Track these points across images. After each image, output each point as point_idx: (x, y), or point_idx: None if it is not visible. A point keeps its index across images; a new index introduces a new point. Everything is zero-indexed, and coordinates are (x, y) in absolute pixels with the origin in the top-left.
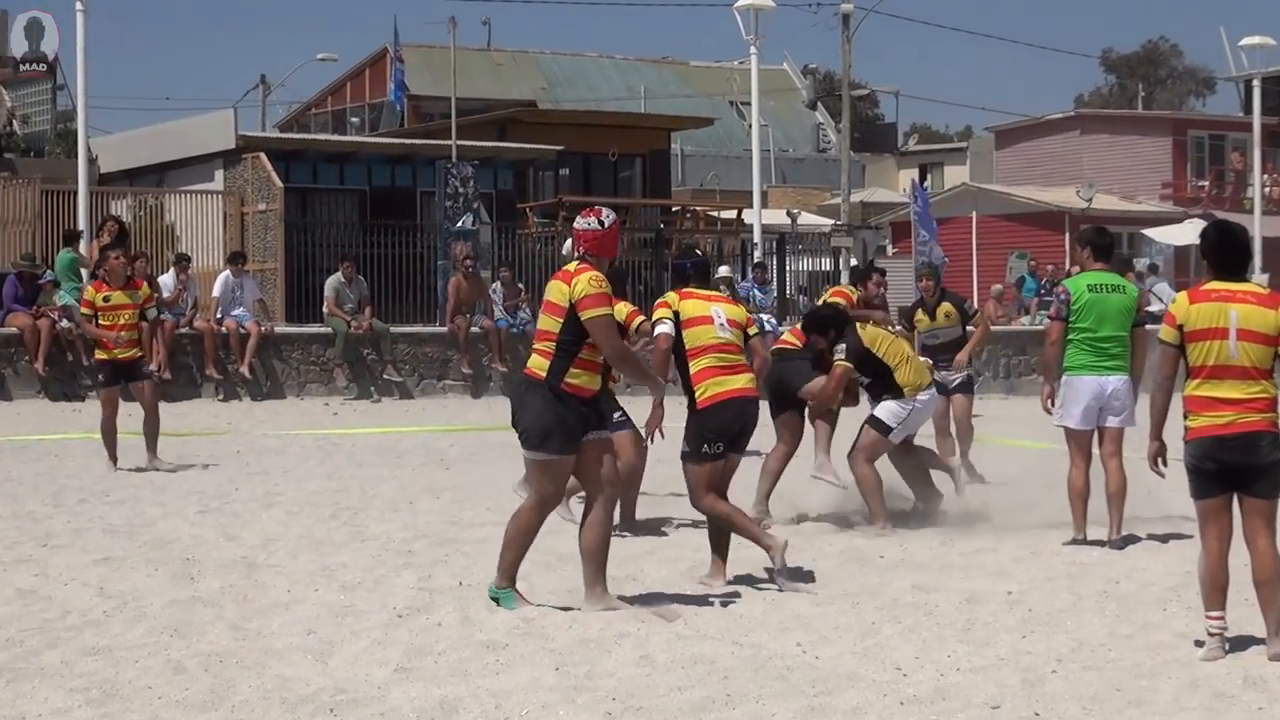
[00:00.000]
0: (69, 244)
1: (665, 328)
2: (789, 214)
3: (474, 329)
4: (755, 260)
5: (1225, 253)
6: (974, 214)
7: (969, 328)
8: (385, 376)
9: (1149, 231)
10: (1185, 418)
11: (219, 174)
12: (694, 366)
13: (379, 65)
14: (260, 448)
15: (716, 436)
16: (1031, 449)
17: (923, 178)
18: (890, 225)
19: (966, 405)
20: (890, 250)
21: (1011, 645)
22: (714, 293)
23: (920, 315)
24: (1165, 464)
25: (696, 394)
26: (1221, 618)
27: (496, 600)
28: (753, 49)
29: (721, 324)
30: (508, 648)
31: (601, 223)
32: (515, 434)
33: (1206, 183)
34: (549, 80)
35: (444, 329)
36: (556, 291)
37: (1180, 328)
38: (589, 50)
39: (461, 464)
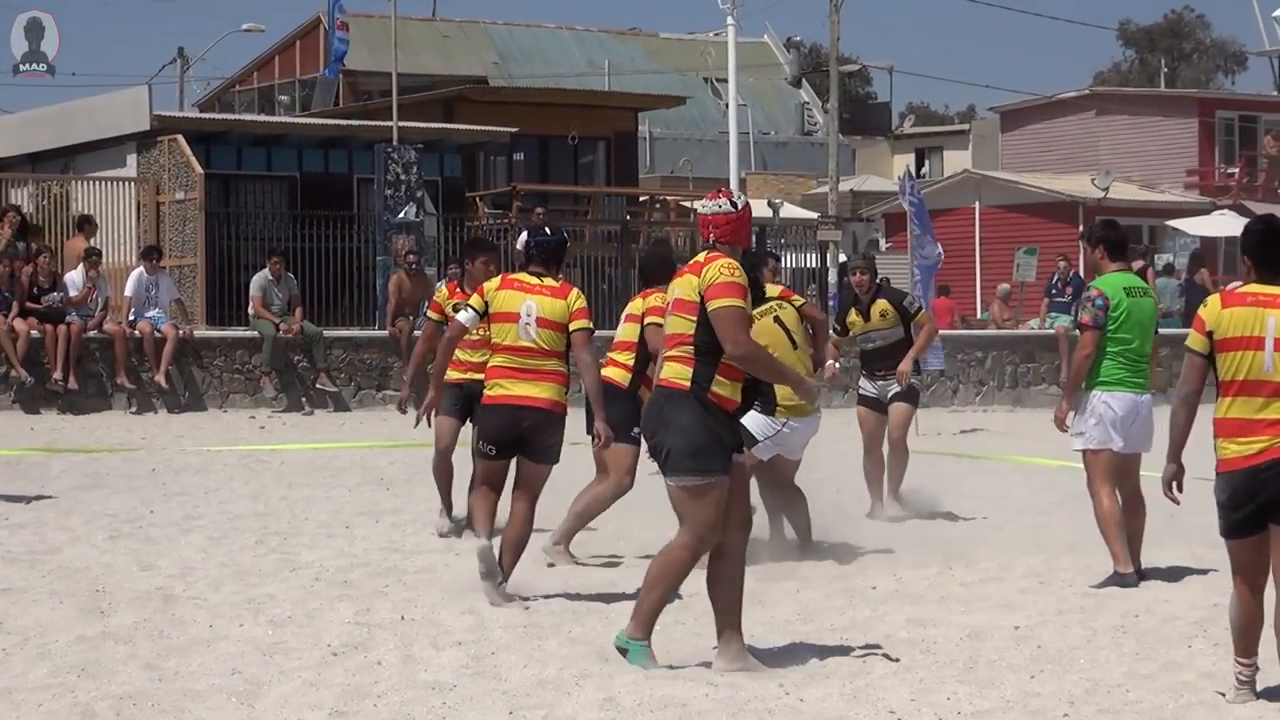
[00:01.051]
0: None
1: (465, 316)
2: (770, 204)
3: (418, 333)
4: None
5: (1269, 249)
6: (977, 204)
7: (913, 328)
8: (318, 386)
9: (1176, 223)
10: (1215, 444)
11: (132, 159)
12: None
13: (311, 37)
14: (178, 465)
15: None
16: (1043, 466)
17: (920, 164)
18: (884, 217)
19: (904, 418)
20: (884, 245)
21: (1019, 686)
22: (543, 283)
23: (854, 316)
24: (1181, 489)
25: None
26: (1252, 664)
27: (624, 651)
28: (730, 19)
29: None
30: (455, 689)
31: (734, 204)
32: (655, 461)
33: (1236, 170)
34: (501, 54)
35: (384, 333)
36: (686, 286)
37: (1210, 335)
38: (546, 20)
39: (403, 484)
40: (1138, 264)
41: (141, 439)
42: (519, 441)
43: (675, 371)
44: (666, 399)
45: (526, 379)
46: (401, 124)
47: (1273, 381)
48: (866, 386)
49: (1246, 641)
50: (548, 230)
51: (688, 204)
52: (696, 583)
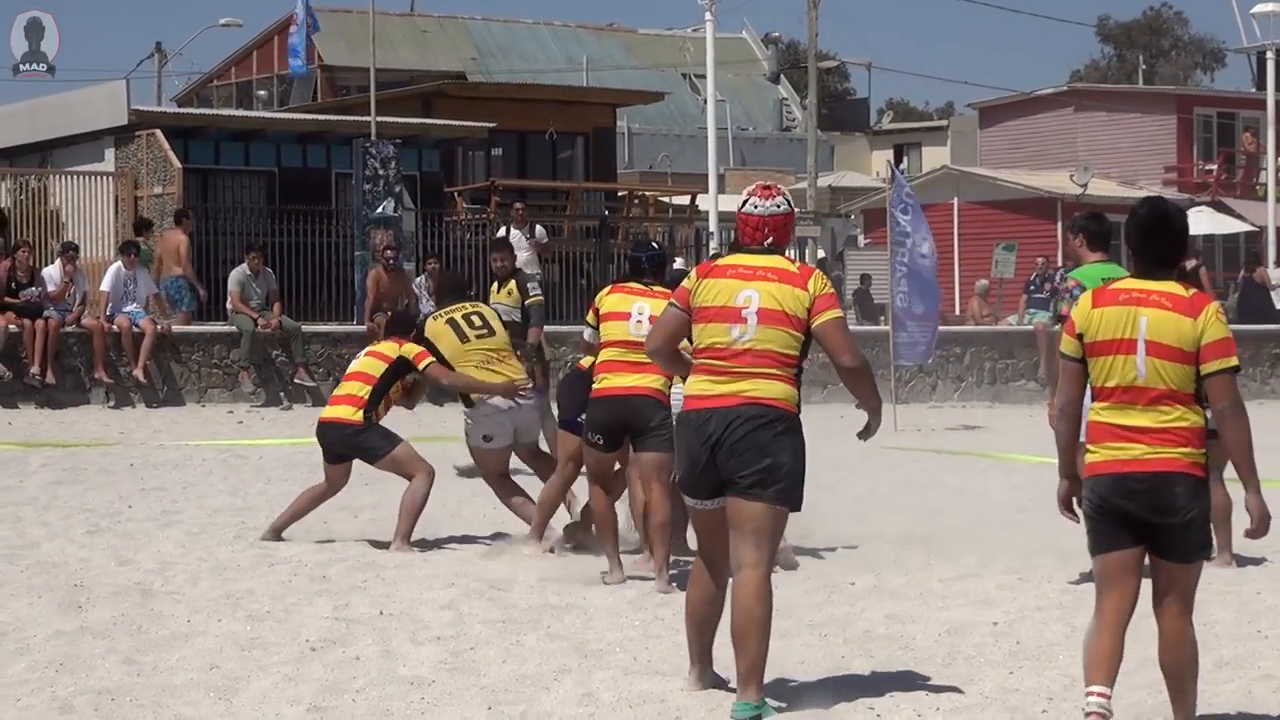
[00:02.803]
0: (138, 233)
1: (588, 334)
2: None
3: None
4: (711, 251)
5: (1152, 236)
6: (955, 200)
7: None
8: (297, 381)
9: None
10: (1084, 449)
11: (109, 153)
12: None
13: (288, 32)
14: (157, 460)
15: (594, 429)
16: (1022, 463)
17: (898, 160)
18: (862, 213)
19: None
20: (863, 241)
21: (997, 682)
22: (654, 288)
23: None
24: (1079, 505)
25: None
26: (1106, 695)
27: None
28: (708, 15)
29: (639, 320)
30: (434, 684)
31: (789, 202)
32: (751, 485)
33: (1215, 166)
34: (479, 50)
35: (362, 328)
36: (789, 297)
37: (1080, 337)
38: (524, 16)
39: (382, 480)
40: (1191, 262)
41: (120, 434)
42: (627, 430)
43: (783, 392)
44: (781, 421)
45: (633, 371)
46: (380, 119)
47: (1150, 388)
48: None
49: (1100, 671)
50: (654, 245)
51: (666, 200)
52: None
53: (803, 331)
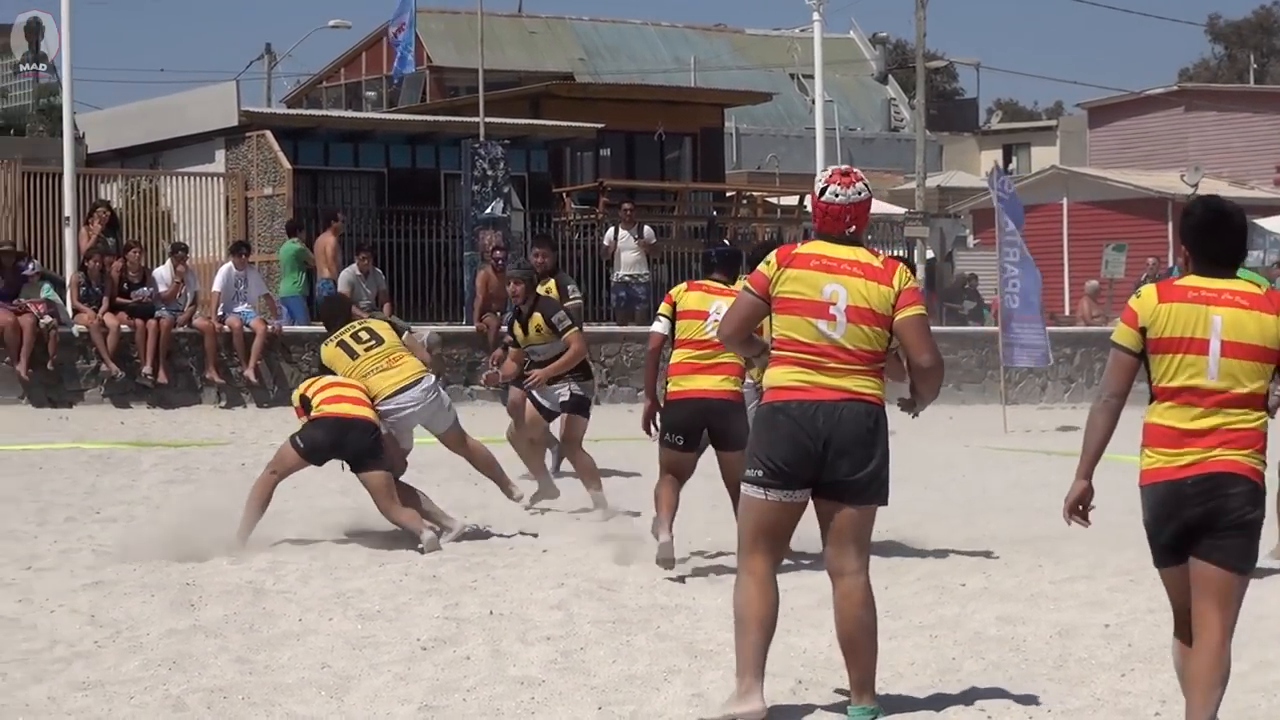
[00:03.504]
0: (291, 234)
1: (659, 326)
2: None
3: (504, 328)
4: None
5: (1210, 236)
6: (1064, 200)
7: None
8: None
9: (1265, 221)
10: (1141, 453)
11: (220, 154)
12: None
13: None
14: (268, 460)
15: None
16: (1132, 464)
17: (1007, 160)
18: (971, 213)
19: (574, 428)
20: (971, 241)
21: (1109, 685)
22: (730, 286)
23: (516, 328)
24: (1090, 510)
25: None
26: None
27: None
28: (815, 15)
29: (716, 320)
30: (544, 684)
31: (869, 188)
32: (859, 487)
33: None
34: (587, 50)
35: (471, 328)
36: (875, 294)
37: (1143, 331)
38: (632, 16)
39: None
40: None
41: (231, 433)
42: (706, 432)
43: (877, 387)
44: (879, 418)
45: (706, 373)
46: (488, 120)
47: (1219, 390)
48: (537, 395)
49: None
50: (725, 243)
51: (774, 200)
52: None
53: (888, 328)
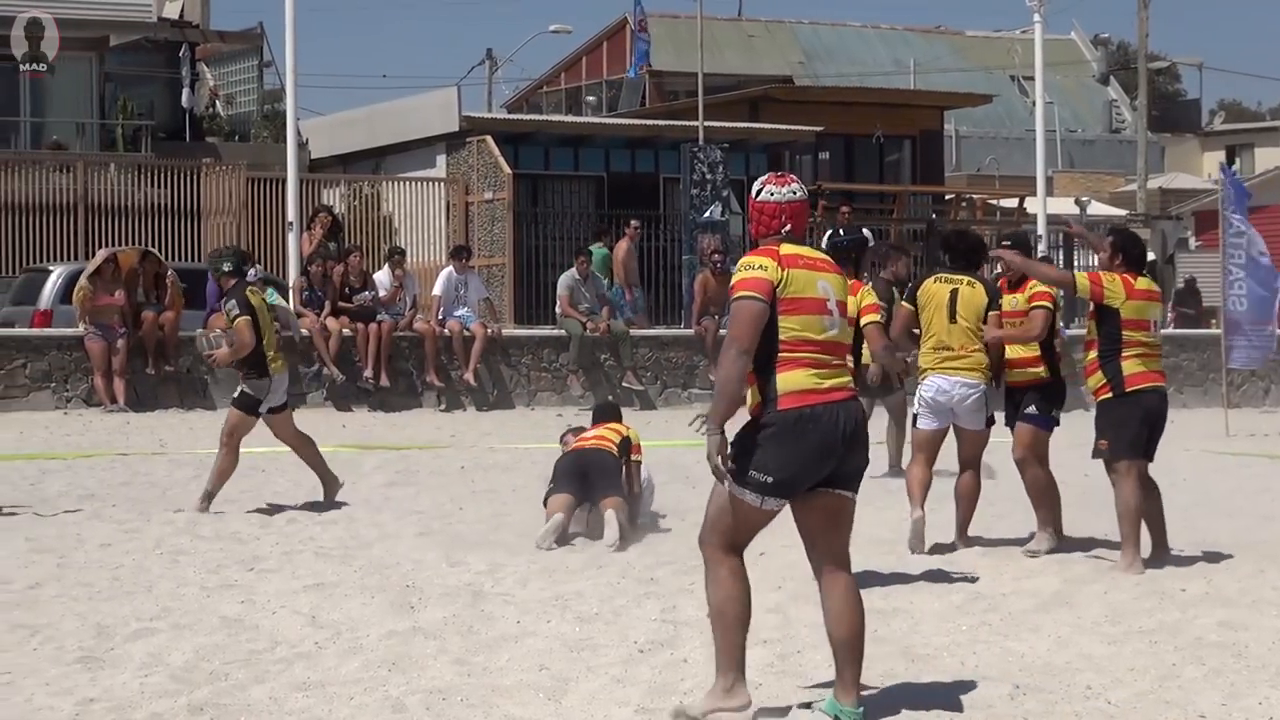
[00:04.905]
0: (599, 239)
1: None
2: (1077, 202)
3: (723, 331)
4: (1039, 255)
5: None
6: None
7: None
8: (624, 385)
9: None
10: None
11: (441, 159)
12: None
13: (617, 38)
14: (487, 463)
15: None
16: None
17: (1230, 161)
18: (1193, 215)
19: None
20: (1193, 243)
21: None
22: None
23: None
24: None
25: None
26: None
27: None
28: (1036, 16)
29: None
30: (760, 687)
31: (806, 191)
32: (856, 479)
33: None
34: (807, 53)
35: (690, 331)
36: (842, 288)
37: None
38: (851, 19)
39: (709, 482)
40: None
41: (451, 436)
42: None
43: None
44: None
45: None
46: (707, 124)
47: None
48: None
49: None
50: (840, 232)
51: (994, 203)
52: (998, 583)
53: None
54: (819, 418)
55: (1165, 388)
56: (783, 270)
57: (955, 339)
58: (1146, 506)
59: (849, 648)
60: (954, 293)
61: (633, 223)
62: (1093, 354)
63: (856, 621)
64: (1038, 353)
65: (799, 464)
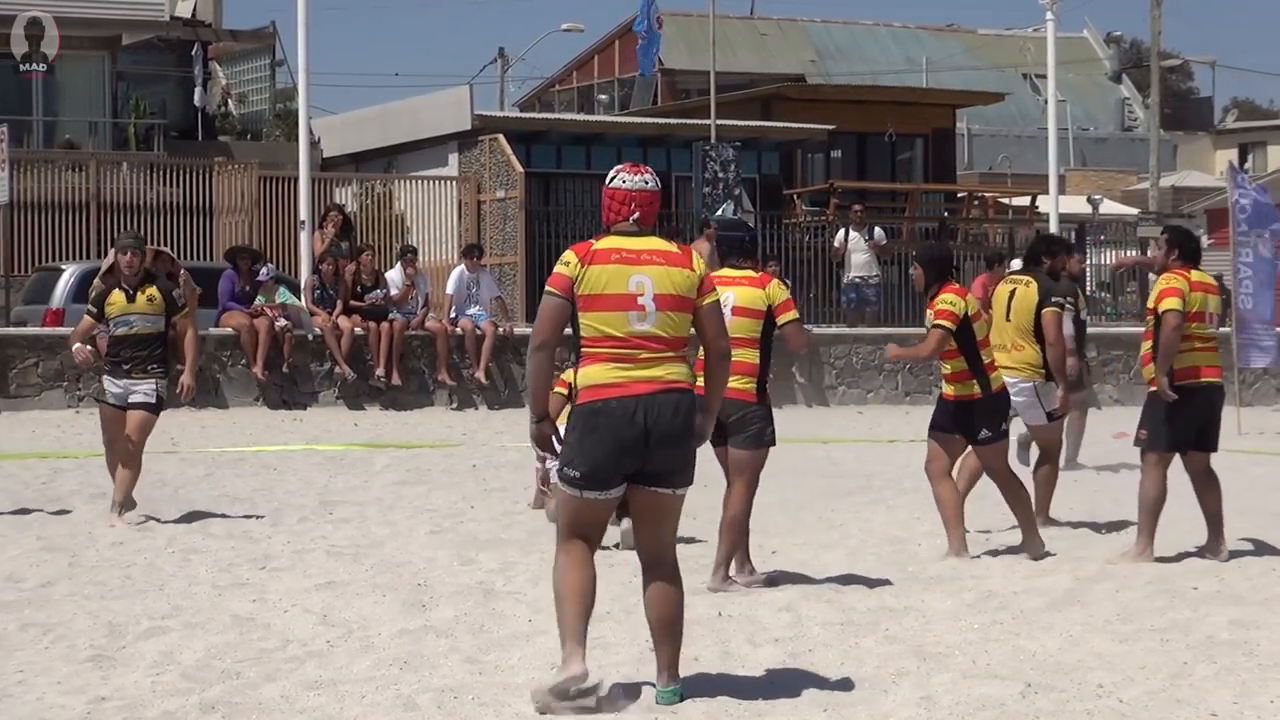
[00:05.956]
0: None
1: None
2: (1090, 200)
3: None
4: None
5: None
6: None
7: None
8: None
9: None
10: None
11: (453, 158)
12: None
13: (629, 36)
14: (499, 461)
15: None
16: None
17: (1243, 159)
18: (1205, 213)
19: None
20: (1206, 242)
21: None
22: (742, 274)
23: (116, 295)
24: None
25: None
26: None
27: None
28: (1049, 14)
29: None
30: (772, 686)
31: (658, 183)
32: (675, 475)
33: None
34: (819, 52)
35: None
36: (681, 279)
37: None
38: (863, 18)
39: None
40: None
41: (462, 435)
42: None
43: (687, 374)
44: (692, 404)
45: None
46: (720, 122)
47: None
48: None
49: None
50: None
51: (1006, 201)
52: (1010, 582)
53: (691, 313)
54: (611, 412)
55: (1219, 382)
56: (582, 267)
57: (1007, 337)
58: (1206, 499)
59: (660, 631)
60: (1013, 292)
61: (711, 224)
62: (1148, 344)
63: (667, 608)
64: (965, 368)
65: (596, 458)
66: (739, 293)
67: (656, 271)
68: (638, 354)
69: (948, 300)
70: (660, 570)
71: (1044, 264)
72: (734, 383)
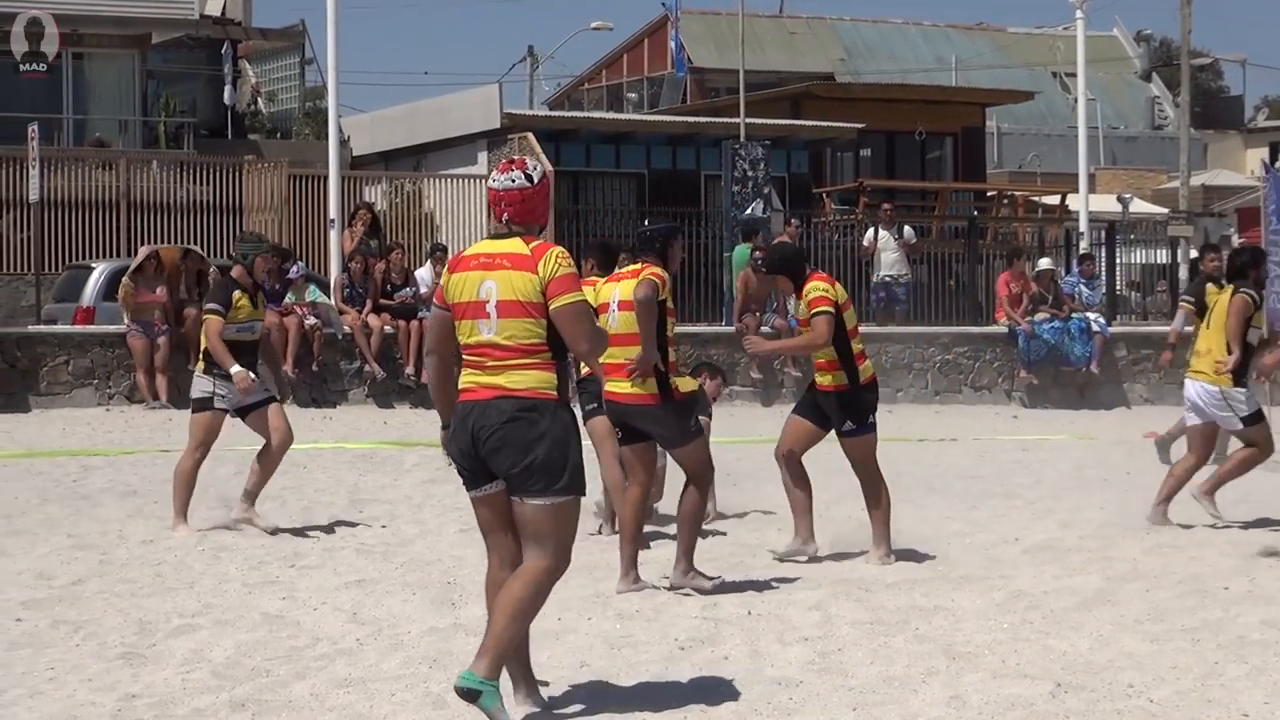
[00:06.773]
0: (748, 239)
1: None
2: (1120, 199)
3: (765, 329)
4: (1081, 252)
5: None
6: None
7: None
8: None
9: None
10: None
11: (482, 156)
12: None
13: (659, 35)
14: None
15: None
16: None
17: (1273, 157)
18: (1236, 212)
19: None
20: (1236, 240)
21: None
22: (631, 269)
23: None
24: None
25: None
26: None
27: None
28: (1079, 13)
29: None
30: (801, 685)
31: (528, 177)
32: (519, 483)
33: None
34: (848, 50)
35: (731, 328)
36: (522, 283)
37: None
38: (893, 16)
39: (750, 480)
40: None
41: None
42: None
43: (538, 380)
44: (535, 411)
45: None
46: (749, 120)
47: None
48: None
49: None
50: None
51: (1036, 200)
52: (1040, 581)
53: (544, 316)
54: (460, 416)
55: None
56: (448, 275)
57: (1201, 342)
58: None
59: (492, 620)
60: (1218, 301)
61: (793, 221)
62: None
63: (503, 600)
64: (834, 358)
65: (455, 458)
66: (623, 287)
67: (501, 276)
68: (484, 361)
69: (820, 288)
70: (508, 573)
71: (1249, 276)
72: (633, 386)
